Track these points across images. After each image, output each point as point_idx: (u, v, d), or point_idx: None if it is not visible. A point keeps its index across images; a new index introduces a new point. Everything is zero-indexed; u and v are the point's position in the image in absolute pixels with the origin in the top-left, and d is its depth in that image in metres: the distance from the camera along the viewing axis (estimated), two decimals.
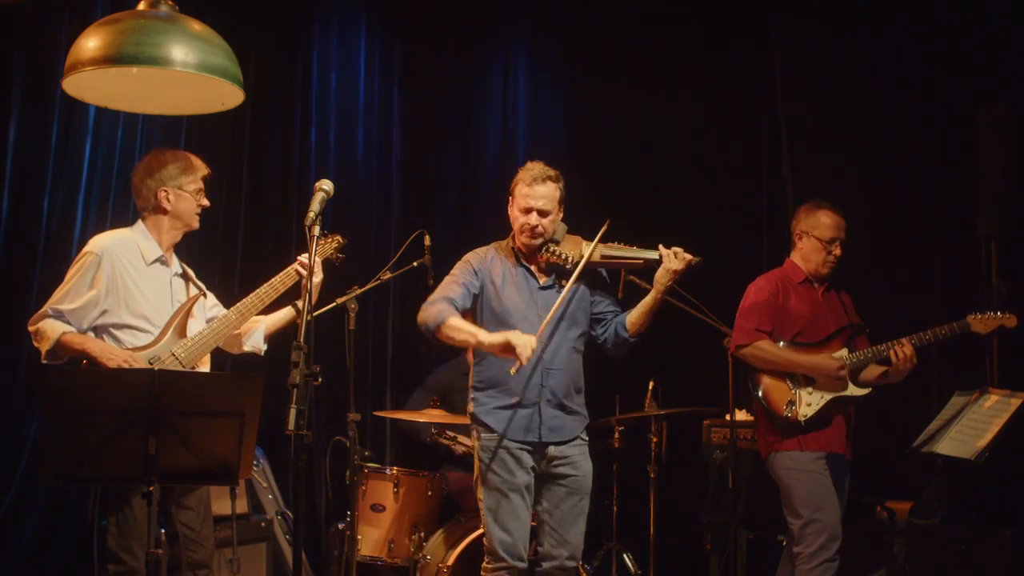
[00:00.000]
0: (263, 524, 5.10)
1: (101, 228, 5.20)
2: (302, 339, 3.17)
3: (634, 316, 3.95)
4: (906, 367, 4.21)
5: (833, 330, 4.40)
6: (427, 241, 4.45)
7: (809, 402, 4.30)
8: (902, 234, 5.72)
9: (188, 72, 3.54)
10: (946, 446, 4.24)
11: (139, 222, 3.90)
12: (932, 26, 5.64)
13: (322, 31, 6.24)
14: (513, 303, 3.91)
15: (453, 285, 3.94)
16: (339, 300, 4.58)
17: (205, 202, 3.93)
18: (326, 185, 3.42)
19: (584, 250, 3.89)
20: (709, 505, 5.42)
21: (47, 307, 3.71)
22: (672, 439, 5.46)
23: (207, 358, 3.90)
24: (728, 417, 4.85)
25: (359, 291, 4.56)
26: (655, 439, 5.24)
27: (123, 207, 5.32)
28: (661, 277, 3.86)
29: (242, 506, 5.04)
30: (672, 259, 3.82)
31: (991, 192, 5.13)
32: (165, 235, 3.88)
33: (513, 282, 3.95)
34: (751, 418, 5.05)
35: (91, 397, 3.09)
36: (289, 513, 5.30)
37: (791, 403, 4.31)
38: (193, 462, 3.18)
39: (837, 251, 4.45)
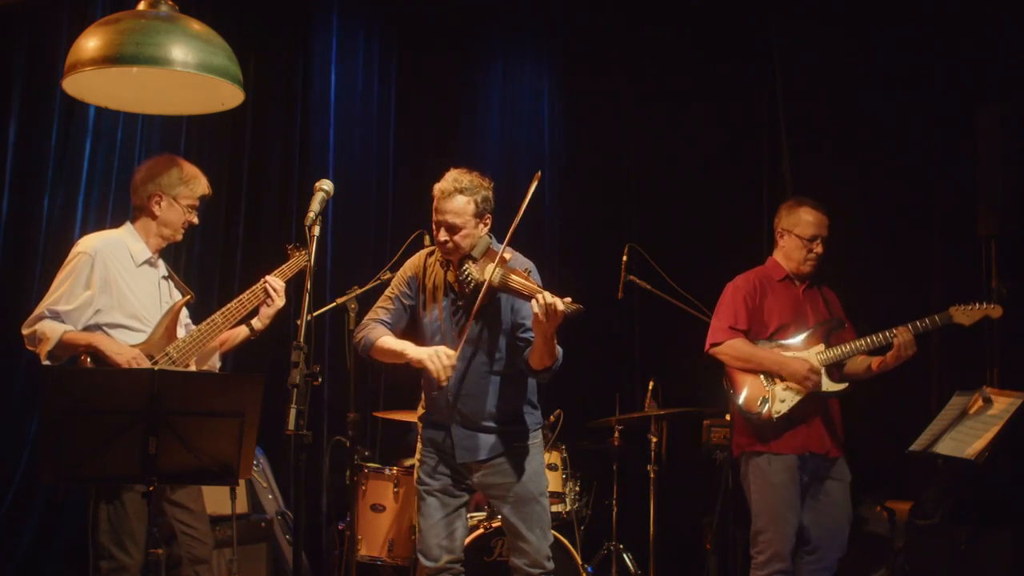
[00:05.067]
0: (263, 524, 5.10)
1: (101, 228, 5.22)
2: (302, 339, 3.17)
3: (530, 352, 3.65)
4: (907, 352, 4.17)
5: (811, 326, 4.39)
6: (427, 241, 4.45)
7: (783, 399, 4.28)
8: (902, 234, 5.72)
9: (188, 72, 3.54)
10: (946, 446, 4.24)
11: (128, 223, 3.92)
12: (931, 26, 5.64)
13: (321, 32, 6.24)
14: (430, 320, 3.83)
15: (386, 301, 3.91)
16: (339, 300, 4.59)
17: (194, 220, 3.95)
18: (326, 185, 3.42)
19: (486, 274, 3.60)
20: (709, 505, 5.42)
21: (42, 308, 3.70)
22: (672, 439, 5.46)
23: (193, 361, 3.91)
24: (728, 417, 4.85)
25: (359, 291, 4.56)
26: (655, 439, 5.23)
27: (123, 207, 5.31)
28: (535, 327, 3.50)
29: (242, 506, 5.04)
30: (541, 314, 3.39)
31: (991, 192, 5.13)
32: (152, 239, 3.90)
33: (437, 298, 3.83)
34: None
35: (91, 397, 3.09)
36: (289, 513, 5.30)
37: (764, 400, 4.29)
38: (193, 462, 3.18)
39: (818, 249, 4.41)
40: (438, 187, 3.76)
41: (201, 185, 3.92)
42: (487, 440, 3.76)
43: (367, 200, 6.35)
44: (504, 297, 3.72)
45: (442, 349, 3.62)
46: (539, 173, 3.68)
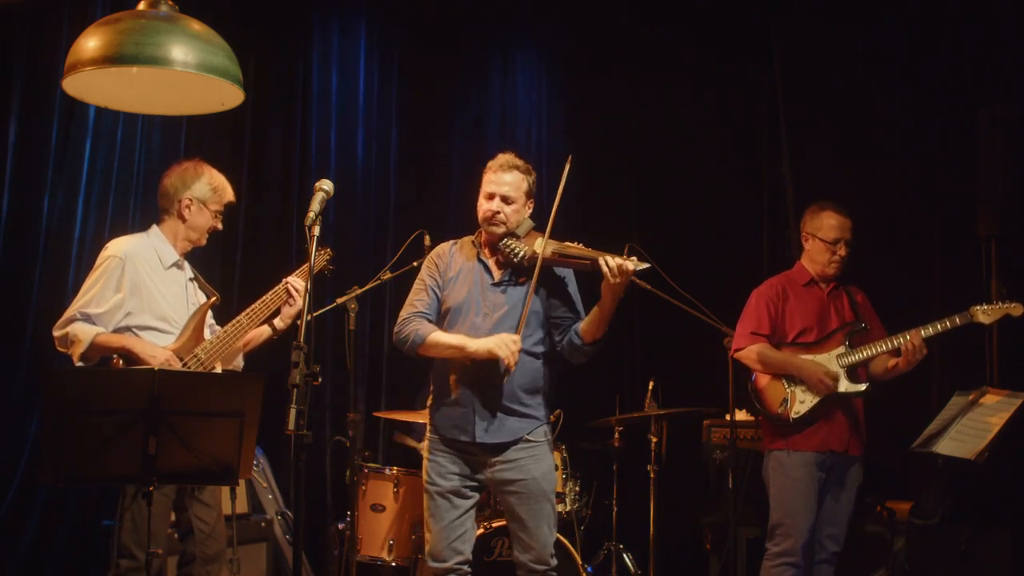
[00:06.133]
0: (263, 524, 5.10)
1: (101, 228, 5.23)
2: (302, 339, 3.17)
3: (587, 324, 3.79)
4: (917, 356, 4.22)
5: (833, 328, 4.43)
6: (427, 241, 4.45)
7: (802, 399, 4.35)
8: (902, 234, 5.72)
9: (188, 72, 3.53)
10: (946, 446, 4.25)
11: (154, 227, 4.00)
12: (932, 26, 5.64)
13: (322, 32, 6.23)
14: (458, 300, 3.85)
15: (421, 294, 3.91)
16: (339, 300, 4.58)
17: (219, 225, 4.04)
18: (326, 185, 3.43)
19: (537, 247, 3.75)
20: (709, 505, 5.42)
21: (74, 311, 3.75)
22: (672, 439, 5.46)
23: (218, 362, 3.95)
24: (728, 417, 4.86)
25: (359, 291, 4.56)
26: (655, 439, 5.24)
27: (123, 207, 5.33)
28: (607, 289, 3.67)
29: (242, 506, 5.04)
30: (611, 275, 3.62)
31: (991, 192, 5.13)
32: (179, 242, 3.99)
33: (466, 278, 3.88)
34: (751, 418, 5.07)
35: (91, 397, 3.09)
36: (289, 513, 5.29)
37: (785, 401, 4.36)
38: (193, 462, 3.18)
39: (842, 251, 4.46)
40: (493, 162, 3.89)
41: (228, 193, 4.05)
42: (509, 423, 3.79)
43: (367, 200, 6.35)
44: (546, 279, 3.82)
45: (506, 336, 3.68)
46: (571, 157, 3.79)
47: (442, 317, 3.89)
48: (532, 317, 3.81)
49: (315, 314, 3.96)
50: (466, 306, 3.83)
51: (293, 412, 3.07)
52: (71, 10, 5.19)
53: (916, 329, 4.23)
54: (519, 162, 3.89)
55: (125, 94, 3.92)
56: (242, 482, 5.00)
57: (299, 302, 4.00)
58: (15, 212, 5.13)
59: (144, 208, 5.41)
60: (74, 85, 3.69)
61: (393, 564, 4.82)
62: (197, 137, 5.57)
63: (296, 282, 4.02)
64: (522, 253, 3.76)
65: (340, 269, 5.86)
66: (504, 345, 3.66)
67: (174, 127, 5.48)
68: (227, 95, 3.83)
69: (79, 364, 3.69)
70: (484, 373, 3.75)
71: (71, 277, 5.17)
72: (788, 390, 4.38)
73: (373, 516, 4.85)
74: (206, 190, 3.96)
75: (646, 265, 3.63)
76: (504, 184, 3.83)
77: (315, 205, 3.35)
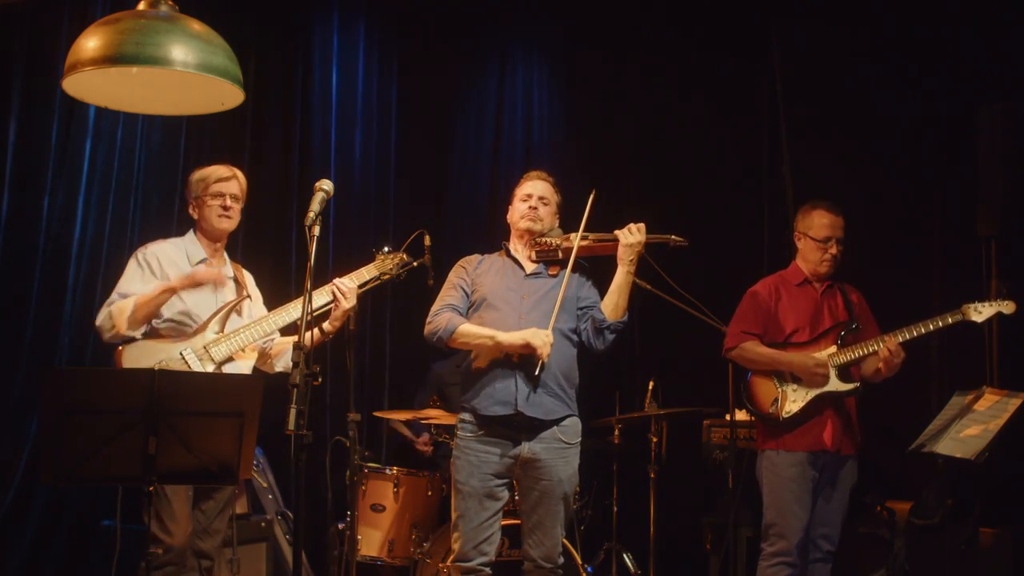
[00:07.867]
0: (263, 524, 5.10)
1: (101, 228, 5.24)
2: (302, 339, 3.17)
3: (606, 300, 4.00)
4: (894, 361, 4.20)
5: (826, 328, 4.42)
6: (427, 241, 4.44)
7: (794, 399, 4.34)
8: (902, 234, 5.72)
9: (188, 72, 3.53)
10: (946, 446, 4.24)
11: (190, 230, 4.06)
12: (932, 26, 5.64)
13: (322, 31, 6.24)
14: (492, 288, 4.01)
15: (451, 291, 4.08)
16: None
17: (227, 212, 4.00)
18: (326, 185, 3.44)
19: (572, 238, 4.01)
20: (709, 505, 5.42)
21: (111, 296, 3.83)
22: (672, 439, 5.46)
23: (251, 358, 3.96)
24: (728, 417, 4.87)
25: (359, 291, 4.55)
26: (655, 439, 5.24)
27: (123, 207, 5.33)
28: (622, 253, 3.95)
29: (242, 506, 5.04)
30: (627, 235, 3.94)
31: (991, 192, 5.13)
32: (204, 240, 4.04)
33: (498, 271, 4.09)
34: (751, 418, 5.06)
35: (91, 397, 3.09)
36: (289, 513, 5.30)
37: (776, 400, 4.36)
38: (193, 462, 3.18)
39: (833, 250, 4.45)
40: (529, 174, 4.24)
41: (213, 175, 4.01)
42: (547, 401, 3.92)
43: (367, 200, 6.36)
44: (576, 272, 4.03)
45: (541, 331, 3.85)
46: (594, 192, 4.05)
47: (475, 307, 4.03)
48: (566, 303, 3.98)
49: (316, 313, 3.95)
50: (501, 292, 4.01)
51: (293, 412, 3.08)
52: (71, 10, 5.19)
53: (893, 333, 4.23)
54: (551, 179, 4.22)
55: (125, 94, 3.92)
56: (242, 482, 5.00)
57: (343, 304, 3.95)
58: (15, 212, 5.12)
59: (144, 208, 5.41)
60: (74, 85, 3.69)
61: (393, 564, 4.83)
62: (197, 137, 5.57)
63: (344, 284, 3.98)
64: (558, 243, 4.03)
65: (340, 269, 5.87)
66: (538, 335, 3.82)
67: (174, 127, 5.48)
68: (227, 95, 3.83)
69: (133, 334, 3.76)
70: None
71: (71, 277, 5.17)
72: (779, 389, 4.38)
73: (373, 516, 4.85)
74: (195, 187, 4.01)
75: (682, 239, 4.06)
76: (541, 189, 4.14)
77: (315, 205, 3.36)
